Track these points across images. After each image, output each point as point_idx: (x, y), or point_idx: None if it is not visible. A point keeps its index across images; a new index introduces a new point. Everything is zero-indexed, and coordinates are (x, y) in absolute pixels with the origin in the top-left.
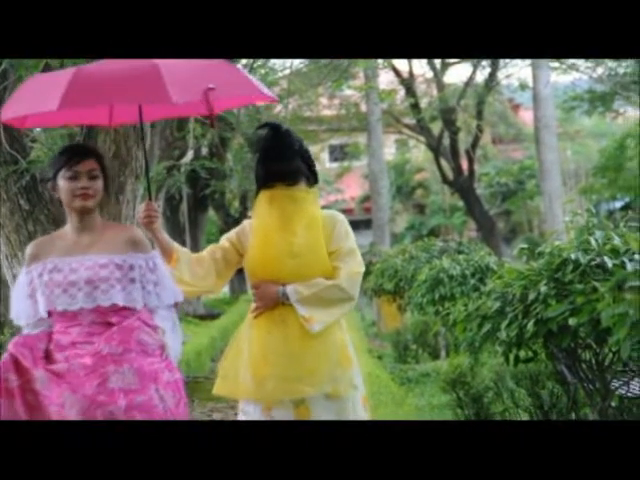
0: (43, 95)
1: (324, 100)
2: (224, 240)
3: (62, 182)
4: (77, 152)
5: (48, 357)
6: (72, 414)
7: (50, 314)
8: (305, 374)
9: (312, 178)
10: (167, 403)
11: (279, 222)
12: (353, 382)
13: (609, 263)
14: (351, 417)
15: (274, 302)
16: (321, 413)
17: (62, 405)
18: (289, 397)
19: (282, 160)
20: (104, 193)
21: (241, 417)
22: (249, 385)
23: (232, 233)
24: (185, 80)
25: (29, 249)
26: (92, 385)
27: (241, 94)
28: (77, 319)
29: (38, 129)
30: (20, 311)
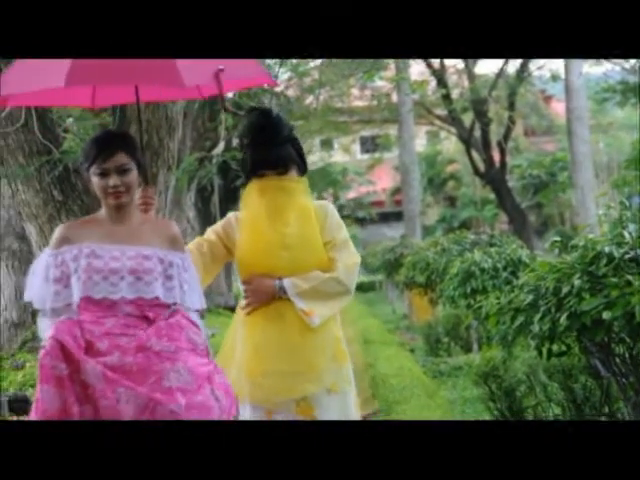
0: (45, 73)
1: (355, 91)
2: (210, 233)
3: (93, 178)
4: (105, 146)
5: (88, 347)
6: (128, 410)
7: (81, 301)
8: (305, 369)
9: (303, 167)
10: (222, 404)
11: (270, 213)
12: (349, 378)
13: None
14: (352, 413)
15: (269, 297)
16: (324, 409)
17: (117, 400)
18: (290, 396)
19: (273, 146)
20: (141, 183)
21: None
22: (244, 387)
23: (218, 226)
24: (195, 62)
25: (59, 231)
26: (148, 382)
27: (246, 76)
28: (113, 309)
29: (70, 119)
30: (45, 294)
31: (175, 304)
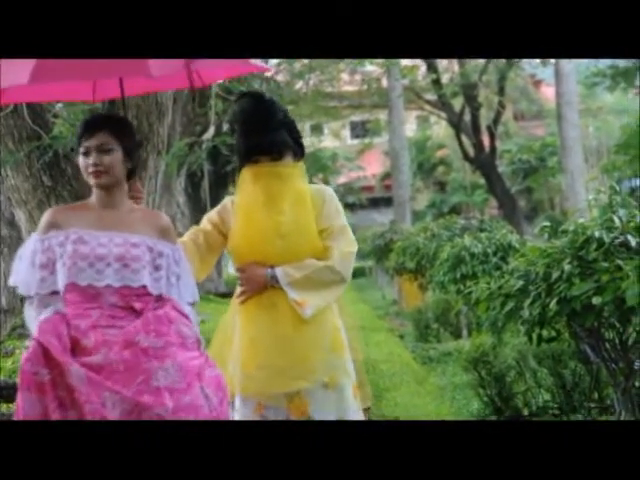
0: (14, 70)
1: (345, 76)
2: (205, 222)
3: (79, 158)
4: (89, 125)
5: (74, 344)
6: (114, 414)
7: (66, 289)
8: (298, 363)
9: (299, 151)
10: (212, 402)
11: (265, 200)
12: (347, 369)
13: (633, 241)
14: (350, 408)
15: (262, 286)
16: (319, 405)
17: (102, 404)
18: (282, 390)
19: (266, 132)
20: (128, 165)
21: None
22: (238, 379)
23: (213, 213)
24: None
25: (47, 216)
26: (135, 382)
27: (229, 64)
28: (98, 300)
29: (60, 104)
30: (30, 280)
31: (161, 296)
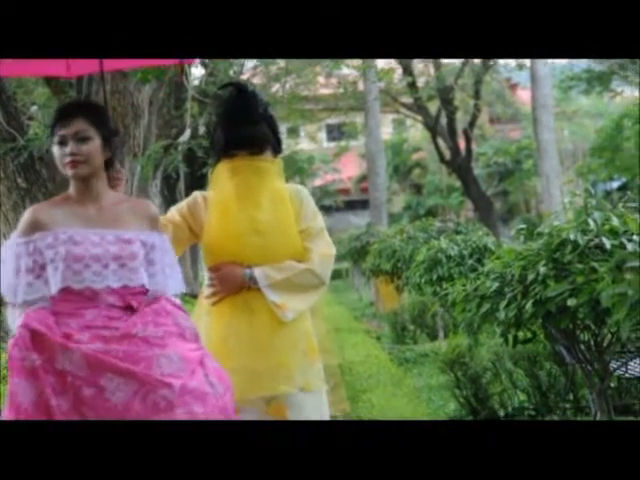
0: None
1: (321, 79)
2: (174, 212)
3: (54, 148)
4: (65, 113)
5: (66, 338)
6: (116, 399)
7: (59, 293)
8: (274, 367)
9: (278, 147)
10: (218, 390)
11: (242, 196)
12: (321, 374)
13: (608, 244)
14: (325, 412)
15: (238, 287)
16: (297, 408)
17: (102, 389)
18: (258, 394)
19: (247, 124)
20: (107, 154)
21: None
22: None
23: (183, 205)
24: None
25: (29, 215)
26: (137, 368)
27: None
28: (94, 300)
29: (35, 107)
30: (17, 286)
31: (157, 291)
